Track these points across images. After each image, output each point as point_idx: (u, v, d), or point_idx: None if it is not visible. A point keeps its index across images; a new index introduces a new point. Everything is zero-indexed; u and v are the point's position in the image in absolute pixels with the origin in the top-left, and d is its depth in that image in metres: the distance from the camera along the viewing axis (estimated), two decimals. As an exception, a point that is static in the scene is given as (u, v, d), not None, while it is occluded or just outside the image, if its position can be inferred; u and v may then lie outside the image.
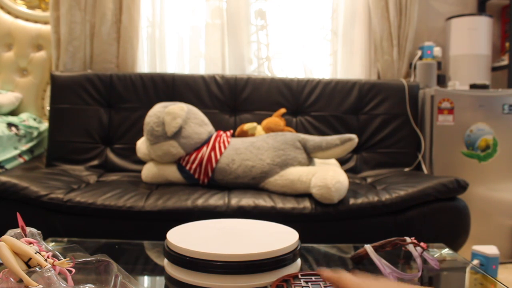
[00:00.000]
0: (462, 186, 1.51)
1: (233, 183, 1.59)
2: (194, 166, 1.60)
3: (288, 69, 2.39)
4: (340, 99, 2.07)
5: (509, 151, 2.04)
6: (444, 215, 1.51)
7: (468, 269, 0.95)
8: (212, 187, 1.58)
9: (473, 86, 2.11)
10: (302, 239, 0.82)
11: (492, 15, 2.35)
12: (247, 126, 1.88)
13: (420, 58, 2.30)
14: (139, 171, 1.79)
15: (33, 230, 0.63)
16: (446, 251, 1.00)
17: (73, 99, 1.97)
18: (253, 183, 1.57)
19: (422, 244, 0.86)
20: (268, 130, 1.87)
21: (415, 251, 0.84)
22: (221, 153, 1.60)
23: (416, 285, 0.76)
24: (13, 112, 2.12)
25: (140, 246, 1.02)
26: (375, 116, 2.06)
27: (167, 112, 1.59)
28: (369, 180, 1.84)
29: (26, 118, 2.04)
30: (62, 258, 0.59)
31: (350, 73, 2.35)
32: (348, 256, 0.95)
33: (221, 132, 1.73)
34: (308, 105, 2.06)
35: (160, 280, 0.81)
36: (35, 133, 2.02)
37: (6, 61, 2.19)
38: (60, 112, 1.96)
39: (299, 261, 0.80)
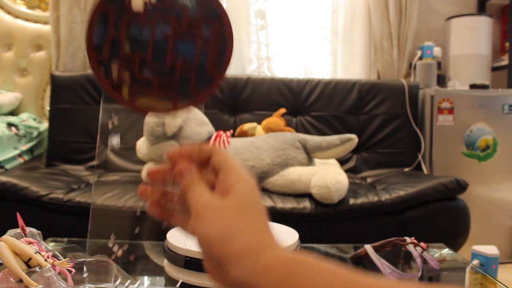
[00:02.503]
0: (462, 186, 1.51)
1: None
2: (194, 166, 1.60)
3: (288, 69, 2.38)
4: (340, 99, 2.07)
5: (509, 151, 2.03)
6: (444, 215, 1.51)
7: (468, 269, 0.95)
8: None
9: (473, 86, 2.11)
10: (302, 239, 0.82)
11: (492, 15, 2.35)
12: (247, 126, 1.88)
13: (420, 58, 2.30)
14: (139, 171, 1.79)
15: (33, 230, 0.63)
16: (446, 251, 1.00)
17: (73, 99, 1.96)
18: (253, 183, 1.57)
19: (422, 244, 0.86)
20: (268, 130, 1.87)
21: (415, 251, 0.84)
22: (221, 153, 1.60)
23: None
24: (13, 112, 2.12)
25: (140, 246, 1.02)
26: (375, 116, 2.06)
27: (167, 112, 1.59)
28: (369, 180, 1.84)
29: (26, 118, 2.04)
30: (62, 258, 0.59)
31: (350, 73, 2.35)
32: (348, 256, 0.95)
33: (221, 132, 1.73)
34: (308, 105, 2.06)
35: (160, 280, 0.81)
36: (35, 133, 2.02)
37: (6, 61, 2.19)
38: (60, 112, 1.96)
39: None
